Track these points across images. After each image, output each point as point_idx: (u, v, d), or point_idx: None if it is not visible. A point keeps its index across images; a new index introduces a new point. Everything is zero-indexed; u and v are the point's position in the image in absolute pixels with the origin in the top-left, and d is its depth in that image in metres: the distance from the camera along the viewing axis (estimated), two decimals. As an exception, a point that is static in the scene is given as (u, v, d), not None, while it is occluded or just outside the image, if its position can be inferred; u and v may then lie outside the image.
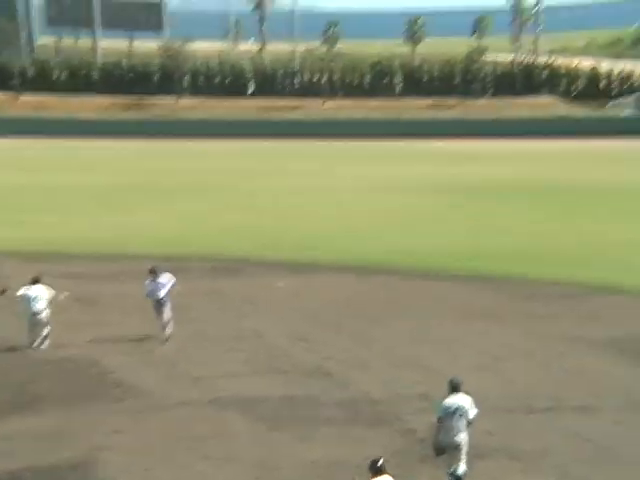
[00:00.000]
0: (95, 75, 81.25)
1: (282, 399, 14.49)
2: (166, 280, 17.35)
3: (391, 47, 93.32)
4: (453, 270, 23.56)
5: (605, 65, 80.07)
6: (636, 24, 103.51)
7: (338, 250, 26.24)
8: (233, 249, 26.52)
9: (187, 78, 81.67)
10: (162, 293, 17.19)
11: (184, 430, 13.24)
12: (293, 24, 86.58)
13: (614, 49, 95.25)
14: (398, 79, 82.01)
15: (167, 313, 17.27)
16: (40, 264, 21.80)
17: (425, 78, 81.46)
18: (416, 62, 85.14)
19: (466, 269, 23.60)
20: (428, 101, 75.84)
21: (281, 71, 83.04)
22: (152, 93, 78.57)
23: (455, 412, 10.94)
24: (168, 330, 17.32)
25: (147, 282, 17.41)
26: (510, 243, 26.81)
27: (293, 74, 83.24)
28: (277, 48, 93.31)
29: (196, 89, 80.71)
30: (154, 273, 17.41)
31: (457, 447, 10.93)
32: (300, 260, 25.05)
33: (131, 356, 16.65)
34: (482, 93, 78.24)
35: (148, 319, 17.54)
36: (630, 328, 18.23)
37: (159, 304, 17.23)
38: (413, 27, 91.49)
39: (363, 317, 19.32)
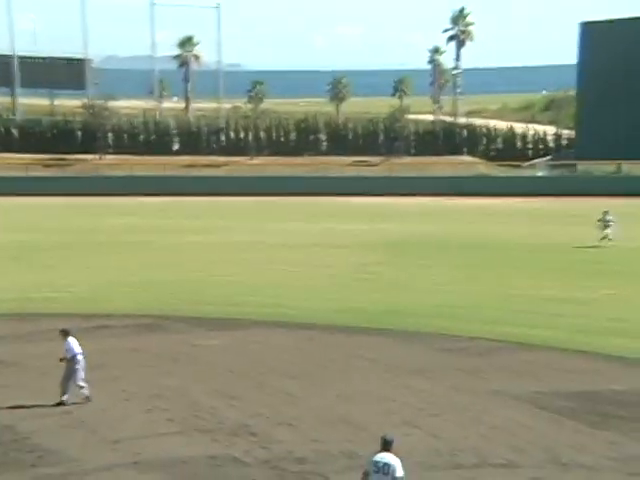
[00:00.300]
0: (15, 133, 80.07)
1: (206, 459, 14.13)
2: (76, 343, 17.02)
3: (316, 105, 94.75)
4: (378, 325, 23.61)
5: (519, 127, 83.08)
6: (544, 91, 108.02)
7: (263, 305, 26.04)
8: (156, 306, 26.08)
9: (110, 136, 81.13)
10: (75, 352, 16.80)
11: (103, 495, 12.76)
12: (218, 82, 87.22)
13: (526, 113, 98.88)
14: (323, 137, 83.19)
15: (81, 373, 16.84)
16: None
17: (349, 136, 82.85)
18: (340, 120, 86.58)
19: (391, 324, 23.68)
20: (352, 159, 76.95)
21: (206, 129, 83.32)
22: (75, 151, 77.69)
23: (382, 468, 10.82)
24: (86, 391, 16.87)
25: (65, 342, 17.00)
26: (433, 299, 27.05)
27: (219, 132, 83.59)
28: (202, 106, 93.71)
29: (120, 147, 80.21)
30: (66, 333, 17.04)
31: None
32: (224, 316, 24.80)
33: (48, 419, 16.03)
34: (405, 152, 79.82)
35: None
36: (551, 383, 18.47)
37: (76, 363, 16.79)
38: (337, 86, 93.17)
39: (289, 373, 19.12)
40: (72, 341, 16.98)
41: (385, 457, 10.93)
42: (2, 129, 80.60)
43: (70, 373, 16.78)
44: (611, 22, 73.19)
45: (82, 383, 16.85)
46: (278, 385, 18.24)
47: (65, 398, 16.74)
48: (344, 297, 27.47)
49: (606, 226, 37.50)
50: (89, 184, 66.13)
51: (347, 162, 75.87)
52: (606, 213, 37.88)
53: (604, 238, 37.03)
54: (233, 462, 14.05)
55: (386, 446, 11.06)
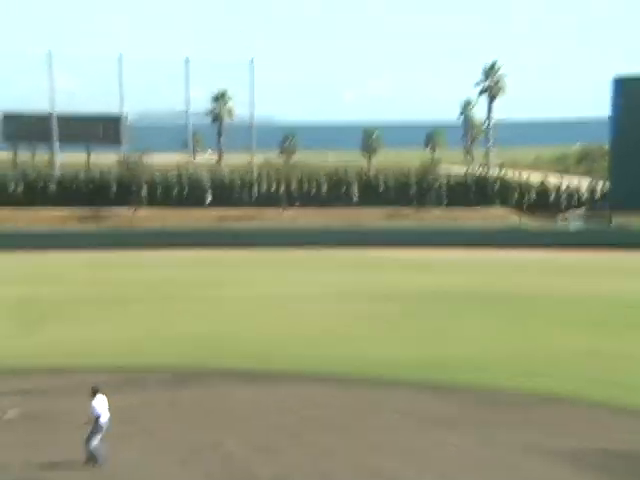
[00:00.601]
0: (52, 188, 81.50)
1: (240, 515, 14.00)
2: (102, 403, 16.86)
3: (347, 157, 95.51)
4: (407, 379, 23.41)
5: (553, 179, 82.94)
6: (578, 143, 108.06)
7: (295, 358, 25.95)
8: (188, 359, 26.09)
9: (145, 189, 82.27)
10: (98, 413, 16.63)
11: None
12: (251, 136, 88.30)
13: (560, 165, 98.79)
14: (354, 189, 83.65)
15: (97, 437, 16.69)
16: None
17: (381, 188, 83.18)
18: (372, 173, 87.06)
19: (421, 378, 23.46)
20: (384, 211, 77.15)
21: (239, 181, 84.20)
22: (110, 205, 78.85)
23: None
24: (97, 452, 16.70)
25: (90, 402, 16.84)
26: (463, 352, 26.79)
27: (251, 184, 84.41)
28: (235, 159, 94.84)
29: (154, 200, 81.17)
30: (94, 392, 16.90)
31: None
32: (257, 369, 24.74)
33: (81, 475, 15.99)
34: (437, 203, 79.87)
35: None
36: (592, 440, 18.08)
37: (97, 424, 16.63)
38: (369, 139, 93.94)
39: (323, 427, 18.97)
40: (98, 401, 16.77)
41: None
42: (40, 184, 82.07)
43: (93, 432, 16.64)
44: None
45: (96, 444, 16.68)
46: (313, 438, 18.10)
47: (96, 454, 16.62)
48: (378, 348, 27.30)
49: None
50: (123, 238, 66.83)
51: (379, 214, 76.05)
52: None
53: None
54: (268, 518, 13.90)
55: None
